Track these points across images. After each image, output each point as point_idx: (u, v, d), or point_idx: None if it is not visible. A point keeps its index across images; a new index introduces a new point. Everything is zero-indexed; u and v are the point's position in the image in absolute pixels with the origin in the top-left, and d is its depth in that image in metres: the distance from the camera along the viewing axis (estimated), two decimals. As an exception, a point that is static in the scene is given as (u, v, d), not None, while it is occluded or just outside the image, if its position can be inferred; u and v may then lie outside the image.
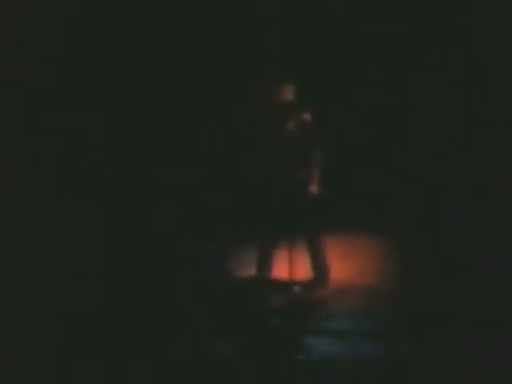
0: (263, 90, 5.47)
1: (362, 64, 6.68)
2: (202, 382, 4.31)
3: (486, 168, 6.16)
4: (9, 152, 5.23)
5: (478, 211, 6.02)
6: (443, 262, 5.68)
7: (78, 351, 4.53)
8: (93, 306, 5.05)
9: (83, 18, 5.97)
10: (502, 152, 6.07)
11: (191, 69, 6.67)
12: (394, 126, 6.72)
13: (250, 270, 5.67)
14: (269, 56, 6.46)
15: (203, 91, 6.66)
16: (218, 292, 5.52)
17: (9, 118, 5.32)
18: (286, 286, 5.51)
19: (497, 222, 5.80)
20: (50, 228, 5.46)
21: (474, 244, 5.72)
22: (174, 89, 6.65)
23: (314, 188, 5.41)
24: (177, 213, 6.47)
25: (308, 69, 6.40)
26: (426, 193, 6.48)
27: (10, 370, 4.27)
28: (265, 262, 5.57)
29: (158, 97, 6.62)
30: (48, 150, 5.64)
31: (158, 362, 4.45)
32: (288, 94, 5.39)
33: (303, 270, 5.57)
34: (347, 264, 5.87)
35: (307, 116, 5.42)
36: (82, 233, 5.71)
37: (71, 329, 4.75)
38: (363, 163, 6.78)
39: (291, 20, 6.61)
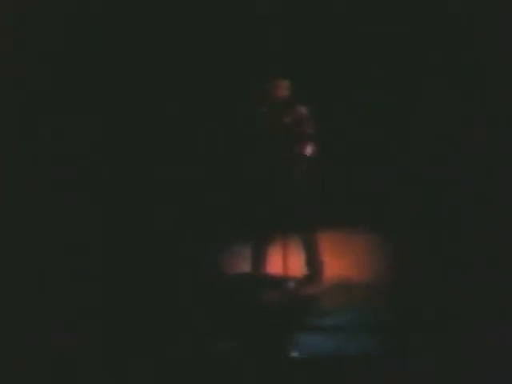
0: (263, 90, 5.47)
1: (361, 64, 6.68)
2: (201, 380, 4.31)
3: (486, 168, 6.16)
4: (9, 152, 5.23)
5: (477, 211, 6.03)
6: (439, 258, 5.68)
7: (77, 351, 4.53)
8: (93, 305, 5.05)
9: (83, 18, 5.97)
10: (502, 152, 6.08)
11: (191, 69, 6.67)
12: (394, 125, 6.72)
13: (246, 269, 5.68)
14: (268, 56, 6.46)
15: (203, 91, 6.66)
16: (215, 291, 5.51)
17: (9, 118, 5.33)
18: (280, 282, 5.51)
19: (497, 221, 5.81)
20: (50, 228, 5.46)
21: (472, 240, 5.73)
22: (174, 89, 6.65)
23: (308, 185, 5.44)
24: (177, 213, 6.47)
25: (308, 68, 6.40)
26: (417, 186, 6.48)
27: (10, 370, 4.28)
28: (259, 259, 5.58)
29: (158, 97, 6.62)
30: (48, 150, 5.65)
31: (158, 362, 4.45)
32: (287, 93, 5.41)
33: (297, 266, 5.57)
34: (342, 260, 5.87)
35: (306, 115, 5.43)
36: (83, 233, 5.71)
37: (71, 329, 4.75)
38: (358, 159, 6.79)
39: (291, 20, 6.61)
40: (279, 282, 5.50)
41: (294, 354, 4.53)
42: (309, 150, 5.39)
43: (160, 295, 5.36)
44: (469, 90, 6.34)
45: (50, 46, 5.65)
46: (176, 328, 4.91)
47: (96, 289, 5.28)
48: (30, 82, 5.44)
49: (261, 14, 6.64)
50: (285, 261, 5.45)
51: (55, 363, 4.39)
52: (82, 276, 5.33)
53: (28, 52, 5.42)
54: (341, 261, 5.84)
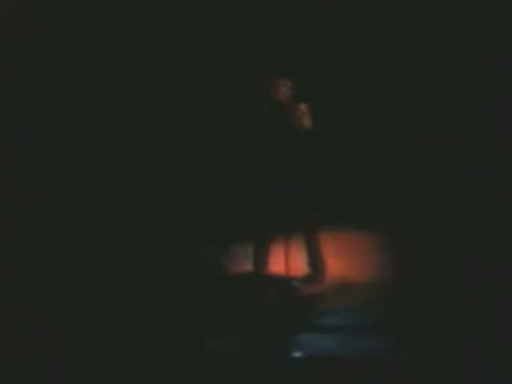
0: (263, 90, 5.47)
1: (361, 64, 6.68)
2: (201, 380, 4.31)
3: (486, 168, 6.17)
4: (9, 152, 5.24)
5: (477, 209, 6.03)
6: (439, 258, 5.68)
7: (77, 351, 4.54)
8: (93, 306, 5.05)
9: (83, 18, 5.98)
10: (502, 152, 6.08)
11: (191, 69, 6.68)
12: (394, 125, 6.73)
13: (248, 268, 5.67)
14: (269, 56, 6.46)
15: (203, 91, 6.67)
16: (216, 290, 5.51)
17: (8, 117, 5.33)
18: (282, 282, 5.51)
19: (497, 220, 5.81)
20: (49, 229, 5.47)
21: (472, 240, 5.73)
22: (174, 89, 6.65)
23: (308, 185, 5.45)
24: (177, 212, 6.46)
25: (308, 68, 6.41)
26: (417, 187, 6.48)
27: (10, 370, 4.28)
28: (261, 258, 5.58)
29: (158, 97, 6.62)
30: (48, 150, 5.65)
31: (158, 361, 4.45)
32: (288, 93, 5.42)
33: (299, 266, 5.57)
34: (343, 260, 5.88)
35: (307, 115, 5.43)
36: (82, 232, 5.71)
37: (71, 328, 4.75)
38: (361, 159, 6.79)
39: (291, 20, 6.62)
40: (281, 281, 5.50)
41: (296, 354, 4.53)
42: (309, 148, 5.40)
43: (160, 295, 5.36)
44: (469, 89, 6.34)
45: (50, 46, 5.66)
46: (176, 327, 4.91)
47: (96, 289, 5.28)
48: (30, 82, 5.44)
49: (261, 14, 6.64)
50: (286, 260, 5.46)
51: (55, 363, 4.39)
52: (81, 276, 5.33)
53: (28, 52, 5.42)
54: (342, 261, 5.84)
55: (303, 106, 5.43)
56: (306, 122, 5.40)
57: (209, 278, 5.71)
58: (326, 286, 5.50)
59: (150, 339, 4.74)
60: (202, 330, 4.85)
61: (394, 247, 6.06)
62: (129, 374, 4.37)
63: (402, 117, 6.69)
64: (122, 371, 4.39)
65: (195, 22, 6.60)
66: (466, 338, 4.51)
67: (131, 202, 6.34)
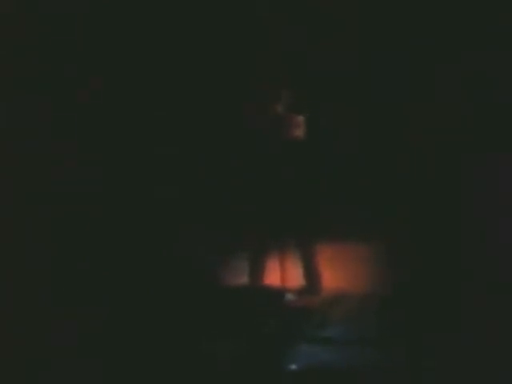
0: (264, 93, 5.48)
1: (361, 65, 6.69)
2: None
3: (485, 167, 6.17)
4: (9, 152, 5.25)
5: (474, 214, 6.02)
6: (437, 270, 5.67)
7: (77, 351, 4.54)
8: (92, 306, 5.06)
9: (84, 18, 5.99)
10: (502, 150, 6.09)
11: (191, 69, 6.68)
12: (394, 127, 6.73)
13: (243, 280, 5.66)
14: (269, 60, 6.47)
15: (203, 93, 6.67)
16: (211, 303, 5.48)
17: (8, 117, 5.34)
18: (278, 293, 5.50)
19: (496, 224, 5.80)
20: (49, 229, 5.48)
21: (471, 248, 5.72)
22: (174, 90, 6.66)
23: (305, 195, 5.45)
24: (173, 216, 6.46)
25: (309, 71, 6.41)
26: (416, 197, 6.47)
27: (10, 368, 4.29)
28: (257, 269, 5.57)
29: (158, 98, 6.62)
30: (47, 150, 5.66)
31: (156, 365, 4.46)
32: (289, 96, 5.42)
33: (295, 277, 5.56)
34: (340, 272, 5.86)
35: (306, 120, 5.43)
36: (80, 233, 5.72)
37: (70, 328, 4.75)
38: (356, 168, 6.79)
39: (291, 22, 6.63)
40: (277, 293, 5.49)
41: (292, 366, 4.52)
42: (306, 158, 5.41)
43: (156, 299, 5.34)
44: (469, 90, 6.35)
45: (51, 46, 5.67)
46: (174, 332, 4.90)
47: (94, 290, 5.28)
48: (30, 82, 5.46)
49: (261, 16, 6.65)
50: (282, 272, 5.45)
51: (55, 363, 4.39)
52: (81, 276, 5.34)
53: (28, 51, 5.44)
54: (338, 273, 5.82)
55: (303, 111, 5.42)
56: (301, 132, 5.39)
57: (204, 290, 5.68)
58: (321, 298, 5.49)
59: (148, 344, 4.74)
60: (198, 342, 4.83)
61: (390, 259, 6.03)
62: (128, 377, 4.37)
63: (402, 119, 6.69)
64: (121, 374, 4.39)
65: (195, 26, 6.61)
66: (461, 349, 4.51)
67: (131, 203, 6.34)
